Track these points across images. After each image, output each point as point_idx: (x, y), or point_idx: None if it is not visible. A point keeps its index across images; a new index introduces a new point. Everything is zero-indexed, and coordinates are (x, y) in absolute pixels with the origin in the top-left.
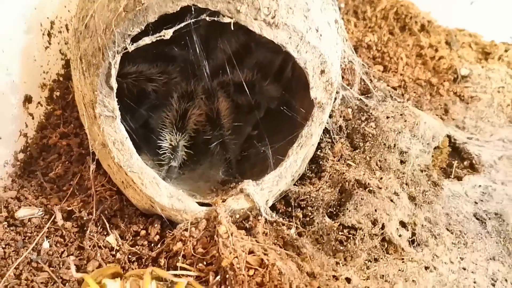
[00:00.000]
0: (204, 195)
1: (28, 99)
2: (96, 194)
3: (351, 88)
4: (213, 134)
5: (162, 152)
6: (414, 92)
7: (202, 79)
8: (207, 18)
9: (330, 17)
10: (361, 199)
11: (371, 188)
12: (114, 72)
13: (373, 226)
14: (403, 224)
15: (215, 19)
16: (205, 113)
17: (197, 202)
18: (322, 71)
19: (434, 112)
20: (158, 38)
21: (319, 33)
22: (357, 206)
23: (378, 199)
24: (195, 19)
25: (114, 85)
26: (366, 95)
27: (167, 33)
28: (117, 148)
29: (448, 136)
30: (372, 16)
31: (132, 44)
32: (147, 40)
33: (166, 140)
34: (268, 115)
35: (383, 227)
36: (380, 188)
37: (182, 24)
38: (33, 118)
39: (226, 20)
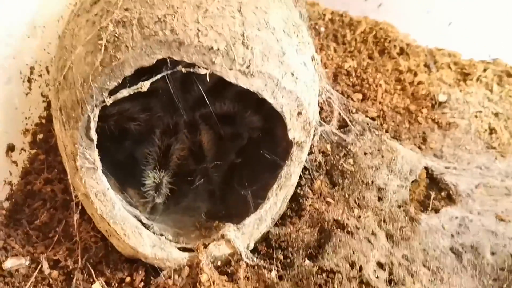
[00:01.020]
0: (188, 233)
1: (10, 148)
2: (81, 242)
3: (329, 123)
4: (196, 167)
5: (146, 189)
6: (393, 121)
7: (184, 113)
8: (183, 70)
9: (306, 56)
10: (339, 240)
11: (349, 229)
12: (93, 125)
13: (351, 268)
14: (380, 264)
15: (191, 70)
16: (188, 147)
17: (179, 248)
18: (299, 113)
19: (412, 141)
20: (136, 91)
21: (295, 76)
22: (335, 248)
23: (356, 240)
24: (171, 71)
25: (94, 137)
26: (345, 129)
27: (144, 85)
28: (99, 199)
29: (426, 168)
30: (352, 40)
31: (109, 97)
32: (124, 92)
33: (150, 177)
34: (251, 143)
35: (360, 269)
36: (358, 228)
37: (159, 76)
38: (16, 165)
39: (201, 71)
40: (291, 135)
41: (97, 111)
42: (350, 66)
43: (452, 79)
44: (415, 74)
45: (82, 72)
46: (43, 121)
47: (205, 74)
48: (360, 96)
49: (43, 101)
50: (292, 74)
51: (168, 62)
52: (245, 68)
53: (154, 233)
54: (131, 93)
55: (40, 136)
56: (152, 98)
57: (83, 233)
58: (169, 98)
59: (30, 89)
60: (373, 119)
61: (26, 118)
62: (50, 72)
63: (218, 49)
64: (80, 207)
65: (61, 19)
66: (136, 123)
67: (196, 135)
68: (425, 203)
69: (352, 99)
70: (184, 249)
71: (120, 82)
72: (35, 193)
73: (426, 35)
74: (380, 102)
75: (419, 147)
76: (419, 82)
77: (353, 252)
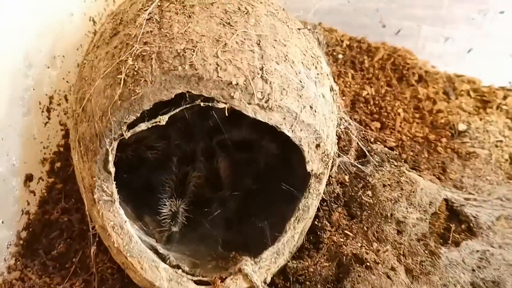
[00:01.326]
0: (204, 264)
1: (29, 178)
2: (98, 273)
3: (347, 153)
4: (212, 195)
5: (163, 217)
6: (412, 151)
7: (201, 140)
8: (202, 104)
9: (325, 87)
10: (358, 276)
11: (368, 264)
12: (111, 158)
13: None
14: None
15: (209, 104)
16: (204, 175)
17: (196, 281)
18: (318, 145)
19: (432, 171)
20: (154, 124)
21: (313, 109)
22: (354, 284)
23: (375, 275)
24: (189, 105)
25: (112, 169)
26: (363, 159)
27: (163, 119)
28: (116, 232)
29: (446, 200)
30: (370, 66)
31: (128, 131)
32: (143, 126)
33: (166, 206)
34: (267, 170)
35: None
36: (377, 263)
37: (177, 110)
38: (34, 195)
39: (220, 105)
40: (309, 167)
41: (115, 144)
42: (368, 94)
43: (472, 106)
44: (434, 102)
45: (100, 105)
46: (61, 149)
47: (224, 108)
48: (378, 124)
49: (61, 130)
50: (311, 107)
51: (187, 95)
52: (263, 102)
53: (170, 263)
54: (149, 126)
55: (58, 164)
56: (169, 126)
57: (100, 264)
58: (186, 125)
59: (49, 118)
60: (391, 148)
61: (44, 148)
62: (69, 100)
63: (237, 84)
64: (97, 238)
65: (80, 47)
66: (153, 151)
67: (213, 162)
68: (445, 236)
69: (370, 128)
70: (200, 282)
71: (138, 116)
72: (52, 223)
73: (445, 61)
74: (398, 131)
75: (439, 178)
76: (438, 111)
77: None
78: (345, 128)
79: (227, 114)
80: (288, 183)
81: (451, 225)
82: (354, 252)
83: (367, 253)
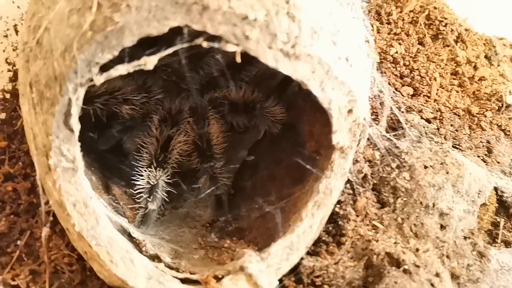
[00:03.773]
0: (190, 253)
1: None
2: (51, 263)
3: (378, 124)
4: (201, 166)
5: (138, 191)
6: (451, 125)
7: (190, 96)
8: (204, 45)
9: (360, 37)
10: (395, 282)
11: (406, 267)
12: (75, 111)
13: None
14: None
15: (216, 46)
16: (192, 140)
17: (181, 279)
18: (350, 110)
19: (475, 152)
20: (136, 68)
21: (349, 63)
22: None
23: (416, 282)
24: (187, 44)
25: (76, 126)
26: (396, 133)
27: (149, 61)
28: (79, 211)
29: (495, 189)
30: (398, 19)
31: (101, 75)
32: (121, 69)
33: (143, 176)
34: (266, 139)
35: None
36: (418, 266)
37: (170, 50)
38: None
39: (230, 48)
40: (336, 138)
41: (81, 92)
42: (397, 52)
43: None
44: (475, 68)
45: (63, 37)
46: (7, 95)
47: (234, 52)
48: (410, 90)
49: (8, 70)
50: (347, 60)
51: (185, 31)
52: (289, 47)
53: (146, 252)
54: (131, 71)
55: (2, 115)
56: (150, 75)
57: (54, 250)
58: (171, 75)
59: None
60: (428, 121)
61: None
62: (20, 32)
63: (255, 19)
64: (51, 217)
65: None
66: (129, 106)
67: (204, 126)
68: (493, 234)
69: (401, 93)
70: (187, 280)
71: (116, 54)
72: None
73: (484, 21)
74: (435, 100)
75: (484, 160)
76: (481, 78)
77: None
78: (378, 92)
79: (238, 61)
80: (292, 158)
81: (499, 220)
82: (388, 250)
83: (404, 253)
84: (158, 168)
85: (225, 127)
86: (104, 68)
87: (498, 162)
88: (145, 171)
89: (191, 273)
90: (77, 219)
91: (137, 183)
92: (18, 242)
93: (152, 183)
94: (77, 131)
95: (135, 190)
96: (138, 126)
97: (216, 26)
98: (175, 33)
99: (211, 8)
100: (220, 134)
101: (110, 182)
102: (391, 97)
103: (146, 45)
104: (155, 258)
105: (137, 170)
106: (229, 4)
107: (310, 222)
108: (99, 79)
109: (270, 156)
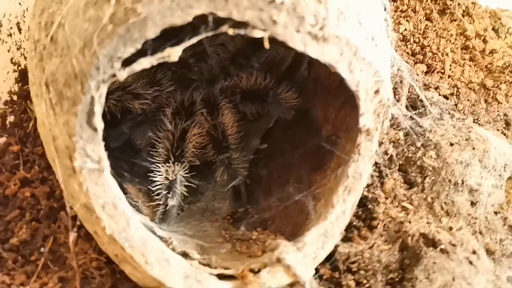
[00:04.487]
0: (217, 247)
1: None
2: (79, 268)
3: (398, 102)
4: (217, 157)
5: (156, 188)
6: (468, 100)
7: (200, 87)
8: (230, 32)
9: (381, 15)
10: (433, 263)
11: (442, 247)
12: (98, 109)
13: None
14: None
15: (242, 32)
16: (206, 131)
17: (217, 275)
18: (376, 91)
19: (493, 125)
20: (160, 61)
21: (375, 42)
22: (429, 275)
23: (455, 261)
24: (212, 32)
25: (99, 125)
26: (417, 112)
27: (174, 53)
28: (108, 213)
29: None
30: None
31: (123, 70)
32: (144, 63)
33: (161, 173)
34: (277, 126)
35: None
36: (454, 245)
37: (195, 40)
38: None
39: (257, 34)
40: (363, 120)
41: (104, 89)
42: (406, 30)
43: None
44: (485, 41)
45: (80, 32)
46: (15, 98)
47: (261, 39)
48: (424, 67)
49: (14, 71)
50: (373, 39)
51: (210, 19)
52: (317, 30)
53: (173, 249)
54: (154, 63)
55: (11, 119)
56: (159, 68)
57: (81, 255)
58: (180, 67)
59: None
60: (445, 97)
61: None
62: (23, 29)
63: (282, 3)
64: (78, 221)
65: None
66: (141, 101)
67: (218, 116)
68: None
69: (415, 71)
70: (221, 276)
71: (139, 47)
72: (9, 199)
73: None
74: (449, 76)
75: (504, 133)
76: (492, 51)
77: (453, 279)
78: (397, 70)
79: (267, 46)
80: (309, 143)
81: None
82: (422, 231)
83: (438, 232)
84: (176, 163)
85: (237, 116)
86: (126, 62)
87: None
88: (162, 166)
89: (224, 268)
90: (107, 222)
91: (155, 179)
92: (42, 249)
93: (170, 178)
94: (100, 130)
95: (153, 187)
96: (149, 122)
97: (242, 12)
98: (199, 22)
99: None
100: (234, 124)
101: (123, 181)
102: (412, 76)
103: (168, 36)
104: (183, 255)
105: (153, 166)
106: None
107: (343, 208)
108: (123, 75)
109: (284, 144)
